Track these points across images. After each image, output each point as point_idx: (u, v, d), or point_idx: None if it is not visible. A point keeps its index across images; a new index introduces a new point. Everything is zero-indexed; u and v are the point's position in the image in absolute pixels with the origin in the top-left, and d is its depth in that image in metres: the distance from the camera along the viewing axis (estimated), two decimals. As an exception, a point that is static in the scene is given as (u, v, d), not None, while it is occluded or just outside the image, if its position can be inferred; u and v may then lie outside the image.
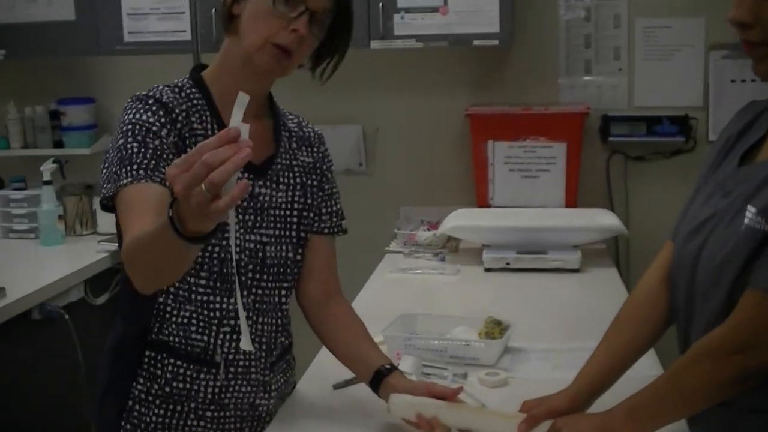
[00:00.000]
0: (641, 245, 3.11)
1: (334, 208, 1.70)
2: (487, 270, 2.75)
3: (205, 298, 1.55)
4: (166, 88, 1.52)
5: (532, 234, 2.78)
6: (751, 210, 1.30)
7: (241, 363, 1.60)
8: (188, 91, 1.54)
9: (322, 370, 1.86)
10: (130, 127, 1.45)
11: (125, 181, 1.40)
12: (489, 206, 3.12)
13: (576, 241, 2.80)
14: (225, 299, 1.55)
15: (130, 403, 1.57)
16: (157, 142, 1.44)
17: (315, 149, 1.70)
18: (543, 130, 3.08)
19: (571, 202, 3.09)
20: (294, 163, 1.65)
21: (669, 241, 1.60)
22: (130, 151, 1.42)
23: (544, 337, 2.09)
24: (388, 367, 1.62)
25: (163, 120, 1.46)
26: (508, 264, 2.74)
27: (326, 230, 1.69)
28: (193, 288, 1.54)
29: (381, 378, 1.60)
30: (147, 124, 1.45)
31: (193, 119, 1.51)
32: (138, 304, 1.52)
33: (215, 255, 1.53)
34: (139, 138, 1.44)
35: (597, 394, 1.55)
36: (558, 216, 2.93)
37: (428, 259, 2.91)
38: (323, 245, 1.69)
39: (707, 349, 1.32)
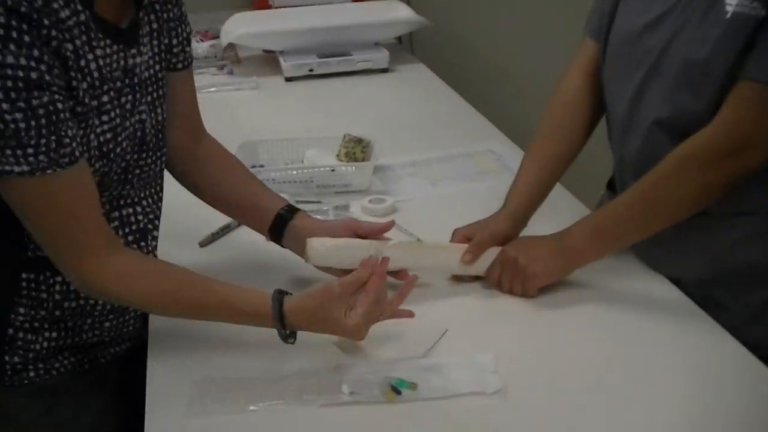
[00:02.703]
0: (438, 38, 2.92)
1: (184, 34, 1.29)
2: (288, 80, 2.44)
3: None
4: None
5: (332, 34, 2.48)
6: None
7: None
8: None
9: (179, 229, 1.50)
10: None
11: (19, 169, 0.98)
12: (269, 8, 2.75)
13: (378, 37, 2.55)
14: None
15: (11, 331, 1.15)
16: (45, 99, 0.97)
17: None
18: None
19: (355, -5, 2.80)
20: (161, 16, 1.21)
21: (588, 41, 1.41)
22: (13, 126, 0.96)
23: (399, 149, 1.87)
24: (286, 208, 1.32)
25: (37, 53, 0.96)
26: (311, 71, 2.44)
27: (181, 64, 1.29)
28: None
29: (284, 223, 1.31)
30: (21, 73, 0.95)
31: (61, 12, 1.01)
32: (2, 217, 1.08)
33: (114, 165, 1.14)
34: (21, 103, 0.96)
35: (532, 210, 1.39)
36: (352, 12, 2.64)
37: (214, 74, 2.52)
38: (184, 80, 1.30)
39: (697, 154, 1.17)
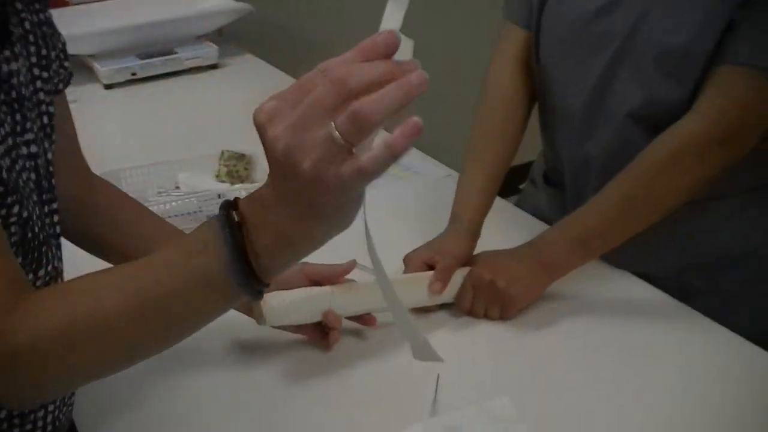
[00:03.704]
0: (264, 26, 2.67)
1: (60, 44, 1.01)
2: (108, 87, 2.12)
3: None
4: None
5: (149, 31, 2.19)
6: None
7: None
8: None
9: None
10: None
11: None
12: (66, 5, 2.39)
13: (200, 30, 2.29)
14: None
15: None
16: None
17: None
18: None
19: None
20: (31, 18, 0.90)
21: (514, 29, 1.29)
22: None
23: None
24: None
25: None
26: (134, 74, 2.14)
27: (62, 84, 1.01)
28: None
29: None
30: None
31: None
32: None
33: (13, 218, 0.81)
34: None
35: (483, 219, 1.25)
36: (166, 5, 2.34)
37: (13, 89, 2.15)
38: (62, 106, 1.02)
39: (691, 145, 1.08)
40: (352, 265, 1.11)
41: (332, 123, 0.56)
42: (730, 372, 1.07)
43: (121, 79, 2.13)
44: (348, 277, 1.12)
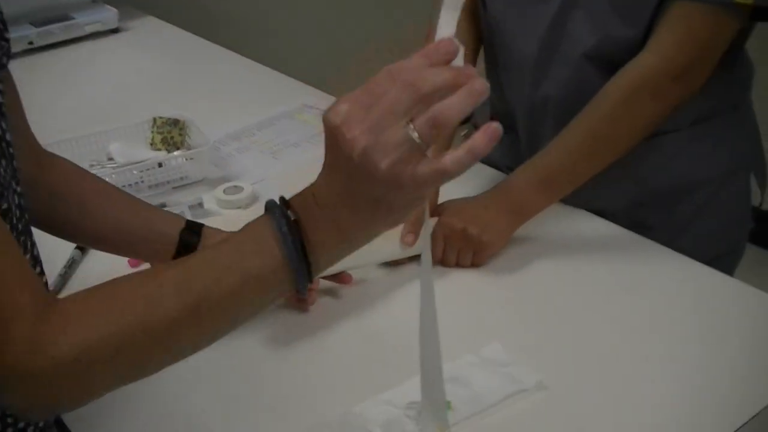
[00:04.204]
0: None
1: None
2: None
3: None
4: None
5: (42, -3, 2.07)
6: None
7: None
8: None
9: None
10: None
11: None
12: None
13: (94, -8, 2.19)
14: None
15: None
16: None
17: None
18: None
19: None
20: None
21: None
22: None
23: (203, 122, 1.58)
24: (187, 228, 1.05)
25: None
26: (31, 43, 2.02)
27: (5, 57, 0.94)
28: None
29: (193, 249, 1.05)
30: None
31: None
32: None
33: None
34: None
35: None
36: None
37: None
38: (7, 80, 0.95)
39: (647, 82, 1.10)
40: None
41: (411, 125, 0.59)
42: (687, 293, 1.13)
43: (18, 50, 2.00)
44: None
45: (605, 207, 1.28)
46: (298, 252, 0.65)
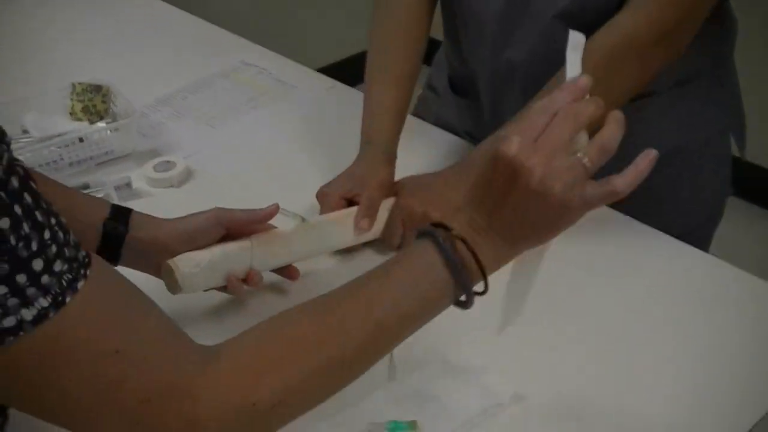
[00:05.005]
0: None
1: None
2: None
3: None
4: None
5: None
6: None
7: None
8: None
9: None
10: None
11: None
12: None
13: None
14: None
15: None
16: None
17: None
18: None
19: None
20: None
21: None
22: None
23: (127, 86, 1.41)
24: (111, 216, 0.92)
25: None
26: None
27: None
28: None
29: (119, 239, 0.91)
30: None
31: None
32: None
33: None
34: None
35: (398, 139, 1.13)
36: None
37: None
38: None
39: (632, 43, 0.99)
40: (274, 209, 0.96)
41: (580, 152, 0.67)
42: (662, 270, 1.07)
43: None
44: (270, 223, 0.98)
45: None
46: (467, 275, 0.69)
